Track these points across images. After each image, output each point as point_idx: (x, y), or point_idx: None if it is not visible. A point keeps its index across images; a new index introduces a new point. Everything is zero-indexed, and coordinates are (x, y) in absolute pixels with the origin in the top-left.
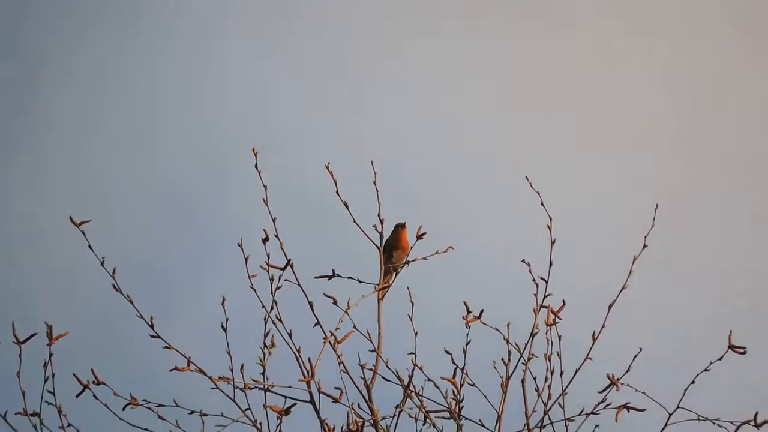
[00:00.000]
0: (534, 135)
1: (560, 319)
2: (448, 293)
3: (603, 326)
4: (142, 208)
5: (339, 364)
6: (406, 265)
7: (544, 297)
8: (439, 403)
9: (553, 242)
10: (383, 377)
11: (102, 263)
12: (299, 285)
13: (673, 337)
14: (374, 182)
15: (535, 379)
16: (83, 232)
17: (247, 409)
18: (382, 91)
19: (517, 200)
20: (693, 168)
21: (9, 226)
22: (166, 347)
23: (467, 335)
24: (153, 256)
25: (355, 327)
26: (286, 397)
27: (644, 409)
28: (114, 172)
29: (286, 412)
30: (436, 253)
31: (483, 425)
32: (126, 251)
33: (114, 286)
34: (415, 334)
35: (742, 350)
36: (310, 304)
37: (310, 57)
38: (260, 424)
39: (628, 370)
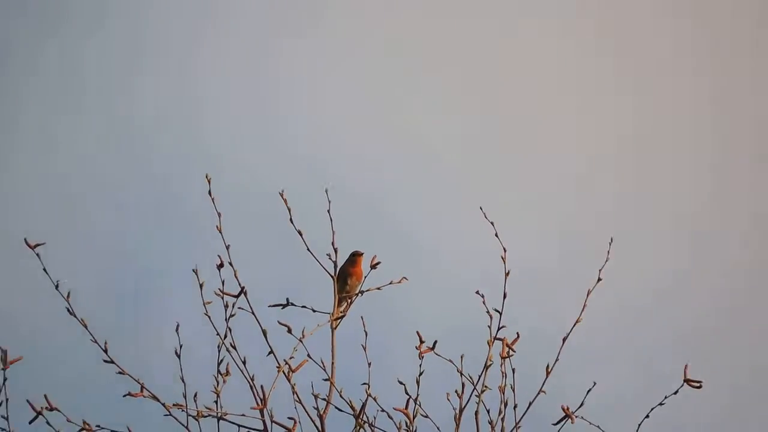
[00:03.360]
0: (491, 168)
1: (514, 351)
2: (401, 323)
3: (557, 359)
4: (95, 234)
5: (293, 394)
6: (360, 294)
7: (498, 329)
8: None
9: (507, 274)
10: (336, 407)
11: (56, 287)
12: (253, 313)
13: (629, 372)
14: (328, 210)
15: (488, 411)
16: (38, 255)
17: None
18: (341, 120)
19: (472, 231)
20: (650, 201)
21: None
22: (119, 372)
23: (420, 366)
24: (108, 281)
25: (309, 356)
26: (239, 426)
27: None
28: (71, 195)
29: None
30: (390, 283)
31: None
32: (80, 274)
33: (68, 310)
34: (369, 364)
35: (698, 384)
36: (264, 332)
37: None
38: None
39: (581, 404)
